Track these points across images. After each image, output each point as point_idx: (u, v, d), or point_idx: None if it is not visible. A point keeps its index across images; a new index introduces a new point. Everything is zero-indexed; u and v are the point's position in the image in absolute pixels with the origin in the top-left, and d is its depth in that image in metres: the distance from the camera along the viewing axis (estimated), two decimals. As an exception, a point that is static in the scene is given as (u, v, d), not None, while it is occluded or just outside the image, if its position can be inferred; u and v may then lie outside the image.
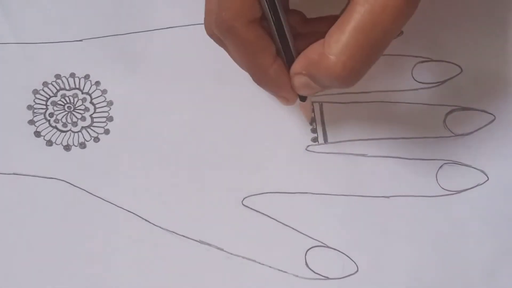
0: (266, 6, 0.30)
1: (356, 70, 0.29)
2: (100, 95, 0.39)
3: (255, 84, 0.38)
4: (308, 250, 0.36)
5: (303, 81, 0.32)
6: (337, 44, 0.29)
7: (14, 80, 0.38)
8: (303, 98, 0.35)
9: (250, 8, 0.30)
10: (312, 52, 0.31)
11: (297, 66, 0.32)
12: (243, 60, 0.32)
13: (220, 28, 0.30)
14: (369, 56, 0.29)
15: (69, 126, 0.38)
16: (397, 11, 0.29)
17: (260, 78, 0.33)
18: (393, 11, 0.29)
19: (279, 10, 0.31)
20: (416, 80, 0.39)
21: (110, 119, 0.38)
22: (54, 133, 0.38)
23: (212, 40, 0.39)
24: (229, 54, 0.33)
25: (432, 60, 0.39)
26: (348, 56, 0.29)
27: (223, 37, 0.31)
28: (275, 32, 0.32)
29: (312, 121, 0.38)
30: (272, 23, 0.31)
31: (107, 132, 0.38)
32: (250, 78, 0.37)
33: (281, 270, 0.35)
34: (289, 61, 0.32)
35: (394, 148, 0.38)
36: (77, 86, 0.39)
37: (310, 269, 0.35)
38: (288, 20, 0.32)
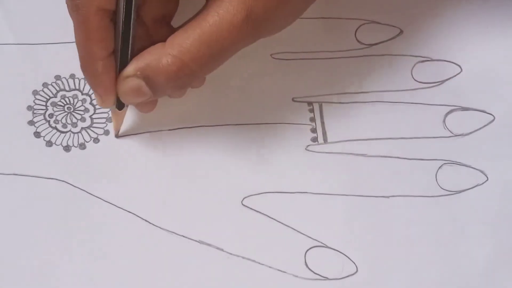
0: (122, 3, 0.31)
1: (192, 72, 0.31)
2: (100, 96, 0.39)
3: (256, 85, 0.39)
4: (307, 250, 0.36)
5: (134, 85, 0.32)
6: (179, 47, 0.31)
7: (14, 80, 0.38)
8: (120, 106, 0.35)
9: None
10: (151, 52, 0.32)
11: (130, 68, 0.32)
12: (78, 42, 0.32)
13: (70, 2, 0.31)
14: (207, 65, 0.31)
15: (69, 127, 0.38)
16: (238, 33, 0.30)
17: (86, 67, 0.33)
18: (235, 31, 0.30)
19: (132, 14, 0.32)
20: (415, 80, 0.39)
21: (109, 120, 0.38)
22: (54, 134, 0.38)
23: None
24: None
25: (431, 60, 0.39)
26: (188, 58, 0.31)
27: (70, 11, 0.32)
28: (120, 32, 0.32)
29: (312, 121, 0.38)
30: (121, 23, 0.32)
31: (106, 133, 0.38)
32: (250, 78, 0.37)
33: (281, 270, 0.35)
34: (122, 66, 0.33)
35: (394, 148, 0.38)
36: (77, 87, 0.39)
37: (310, 269, 0.35)
38: (138, 27, 0.32)
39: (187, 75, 0.31)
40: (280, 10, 0.31)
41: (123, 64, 0.33)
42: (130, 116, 0.38)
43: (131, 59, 0.33)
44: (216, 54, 0.31)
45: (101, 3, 0.31)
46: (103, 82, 0.33)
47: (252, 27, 0.31)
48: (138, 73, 0.32)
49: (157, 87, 0.32)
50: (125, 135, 0.38)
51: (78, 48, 0.33)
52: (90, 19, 0.31)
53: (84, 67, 0.33)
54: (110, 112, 0.38)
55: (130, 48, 0.33)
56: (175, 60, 0.31)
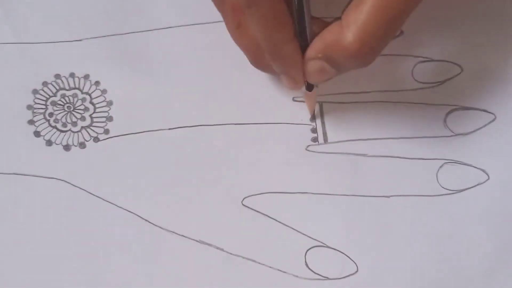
0: None
1: (373, 47, 0.31)
2: (100, 95, 0.39)
3: (256, 84, 0.39)
4: (308, 250, 0.36)
5: (318, 66, 0.32)
6: (355, 23, 0.30)
7: (13, 80, 0.38)
8: (310, 88, 0.35)
9: None
10: (329, 33, 0.31)
11: (312, 50, 0.32)
12: (262, 33, 0.32)
13: None
14: (386, 34, 0.31)
15: (69, 126, 0.38)
16: None
17: (275, 53, 0.33)
18: None
19: None
20: (416, 80, 0.39)
21: (109, 119, 0.38)
22: (54, 133, 0.38)
23: (212, 40, 0.39)
24: (251, 24, 0.32)
25: (432, 60, 0.39)
26: (366, 34, 0.30)
27: (247, 5, 0.31)
28: (296, 13, 0.32)
29: (313, 119, 0.38)
30: (295, 2, 0.32)
31: (106, 132, 0.38)
32: (250, 78, 0.37)
33: (281, 270, 0.35)
34: (303, 46, 0.33)
35: (394, 148, 0.37)
36: (77, 86, 0.39)
37: (310, 269, 0.35)
38: (309, 4, 0.32)
39: (367, 52, 0.31)
40: None
41: (304, 46, 0.33)
42: (130, 116, 0.38)
43: (310, 39, 0.32)
44: (392, 25, 0.30)
45: None
46: (295, 63, 0.33)
47: None
48: (320, 55, 0.32)
49: (340, 66, 0.32)
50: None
51: (261, 40, 0.32)
52: (270, 7, 0.31)
53: (273, 56, 0.33)
54: (110, 112, 0.38)
55: (308, 31, 0.32)
56: (353, 39, 0.30)
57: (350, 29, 0.30)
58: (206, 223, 0.36)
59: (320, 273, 0.35)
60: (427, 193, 0.37)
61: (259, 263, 0.35)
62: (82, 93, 0.39)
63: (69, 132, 0.38)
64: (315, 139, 0.38)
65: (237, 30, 0.34)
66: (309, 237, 0.36)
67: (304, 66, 0.33)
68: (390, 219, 0.36)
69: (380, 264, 0.35)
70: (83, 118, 0.38)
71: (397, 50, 0.39)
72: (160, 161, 0.37)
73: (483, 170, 0.37)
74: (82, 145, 0.37)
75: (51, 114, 0.38)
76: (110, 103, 0.38)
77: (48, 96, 0.38)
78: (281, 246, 0.36)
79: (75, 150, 0.37)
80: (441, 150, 0.37)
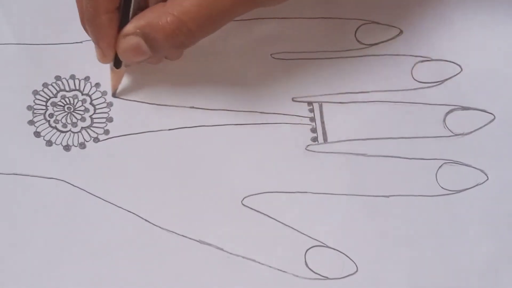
0: None
1: (191, 31, 0.32)
2: (100, 97, 0.39)
3: (256, 85, 0.39)
4: (307, 250, 0.36)
5: (133, 43, 0.33)
6: (180, 6, 0.31)
7: (14, 80, 0.39)
8: (118, 64, 0.35)
9: None
10: (151, 12, 0.32)
11: (131, 26, 0.33)
12: None
13: None
14: (206, 24, 0.32)
15: (69, 127, 0.38)
16: None
17: (90, 20, 0.33)
18: None
19: None
20: (415, 80, 0.39)
21: (110, 119, 0.38)
22: (54, 134, 0.38)
23: (212, 41, 0.39)
24: None
25: (431, 60, 0.39)
26: (187, 16, 0.31)
27: None
28: None
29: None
30: None
31: (106, 132, 0.38)
32: (250, 78, 0.37)
33: (281, 270, 0.35)
34: (122, 24, 0.33)
35: (394, 148, 0.37)
36: (77, 88, 0.39)
37: (310, 269, 0.35)
38: None
39: (185, 34, 0.32)
40: None
41: (124, 23, 0.33)
42: (130, 116, 0.38)
43: (132, 18, 0.33)
44: (215, 16, 0.32)
45: None
46: (107, 35, 0.34)
47: None
48: (138, 30, 0.33)
49: (156, 45, 0.33)
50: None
51: (83, 1, 0.33)
52: None
53: (89, 20, 0.33)
54: (110, 113, 0.38)
55: (132, 7, 0.33)
56: (174, 19, 0.31)
57: (173, 9, 0.31)
58: (206, 223, 0.36)
59: (320, 273, 0.35)
60: (426, 193, 0.37)
61: (259, 263, 0.35)
62: (83, 94, 0.39)
63: (69, 132, 0.38)
64: (315, 139, 0.38)
65: None
66: (309, 237, 0.36)
67: (119, 41, 0.34)
68: (390, 219, 0.36)
69: (379, 264, 0.35)
70: (83, 119, 0.38)
71: (397, 50, 0.39)
72: (160, 161, 0.37)
73: (482, 171, 0.37)
74: (82, 145, 0.37)
75: (51, 115, 0.38)
76: (110, 104, 0.38)
77: (48, 97, 0.38)
78: (281, 246, 0.36)
79: (75, 150, 0.37)
80: (440, 150, 0.37)
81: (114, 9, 0.33)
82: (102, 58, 0.35)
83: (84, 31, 0.35)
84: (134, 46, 0.33)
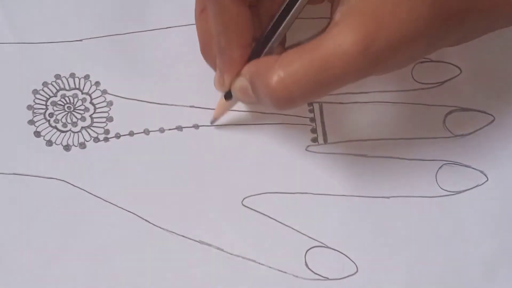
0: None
1: (292, 97, 0.30)
2: (100, 95, 0.39)
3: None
4: (308, 250, 0.36)
5: (243, 85, 0.32)
6: (288, 66, 0.29)
7: (14, 80, 0.38)
8: (228, 96, 0.35)
9: None
10: (263, 62, 0.31)
11: (245, 68, 0.32)
12: (215, 26, 0.32)
13: None
14: (311, 92, 0.29)
15: (69, 126, 0.38)
16: (351, 65, 0.28)
17: (221, 51, 0.33)
18: (348, 62, 0.28)
19: (291, 12, 0.31)
20: (416, 81, 0.39)
21: (110, 119, 0.38)
22: (54, 133, 0.38)
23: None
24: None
25: (431, 61, 0.39)
26: (292, 81, 0.29)
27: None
28: (271, 23, 0.32)
29: (312, 121, 0.38)
30: (275, 18, 0.32)
31: (107, 132, 0.38)
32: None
33: (281, 271, 0.35)
34: (253, 58, 0.33)
35: (394, 149, 0.38)
36: (77, 86, 0.39)
37: (310, 269, 0.35)
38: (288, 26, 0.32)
39: (284, 98, 0.30)
40: (404, 48, 0.28)
41: (256, 55, 0.33)
42: (130, 116, 0.38)
43: (267, 49, 0.32)
44: (320, 85, 0.29)
45: None
46: (232, 69, 0.33)
47: (369, 61, 0.28)
48: (248, 76, 0.32)
49: (258, 96, 0.32)
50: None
51: (214, 31, 0.32)
52: (233, 5, 0.31)
53: (220, 52, 0.33)
54: (110, 112, 0.38)
55: (268, 47, 0.32)
56: (278, 80, 0.29)
57: (280, 68, 0.29)
58: (206, 223, 0.36)
59: (320, 273, 0.35)
60: (426, 194, 0.37)
61: (259, 263, 0.35)
62: (82, 93, 0.39)
63: (69, 132, 0.38)
64: (315, 140, 0.38)
65: (200, 14, 0.34)
66: (309, 237, 0.36)
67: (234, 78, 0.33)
68: (390, 219, 0.36)
69: (379, 265, 0.36)
70: (83, 118, 0.38)
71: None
72: (160, 161, 0.37)
73: (481, 172, 0.37)
74: (82, 145, 0.37)
75: (51, 114, 0.38)
76: (110, 104, 0.38)
77: (48, 96, 0.38)
78: (281, 246, 0.36)
79: (75, 150, 0.37)
80: (440, 151, 0.38)
81: (247, 44, 0.32)
82: (221, 87, 0.34)
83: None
84: (243, 88, 0.33)
